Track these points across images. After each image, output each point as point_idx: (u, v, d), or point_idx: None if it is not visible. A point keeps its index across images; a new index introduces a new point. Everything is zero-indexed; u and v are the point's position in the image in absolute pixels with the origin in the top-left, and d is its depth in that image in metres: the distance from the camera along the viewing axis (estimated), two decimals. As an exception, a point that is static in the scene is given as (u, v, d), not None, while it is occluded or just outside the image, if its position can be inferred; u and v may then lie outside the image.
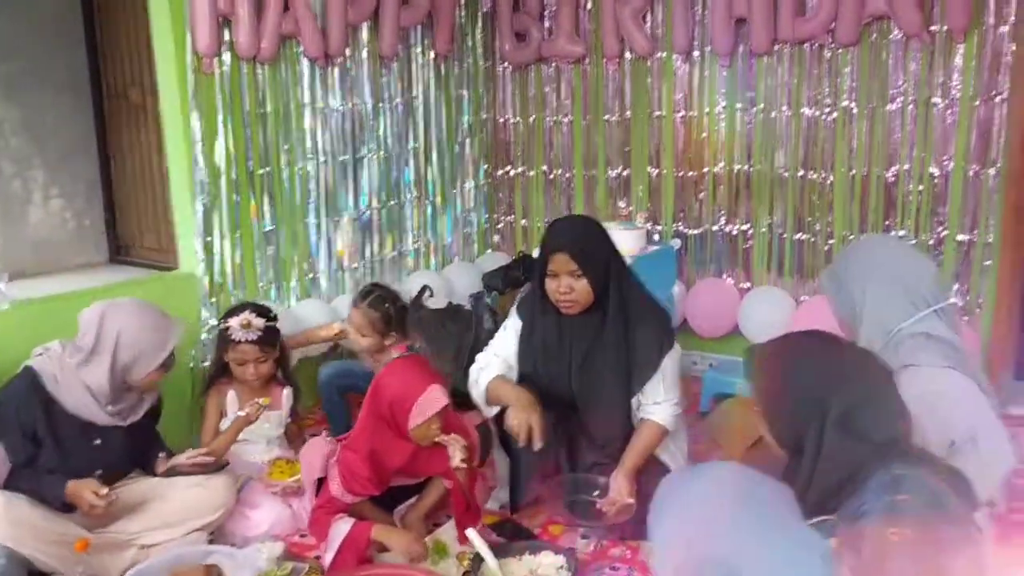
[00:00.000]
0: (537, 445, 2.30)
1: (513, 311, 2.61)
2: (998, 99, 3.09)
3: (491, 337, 2.72)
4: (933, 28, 3.13)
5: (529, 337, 2.53)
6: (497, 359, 2.54)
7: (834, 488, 1.63)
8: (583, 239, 2.42)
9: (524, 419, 2.30)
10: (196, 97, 3.02)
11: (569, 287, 2.38)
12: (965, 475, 1.66)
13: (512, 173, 4.32)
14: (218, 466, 2.49)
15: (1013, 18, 3.02)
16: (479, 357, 2.59)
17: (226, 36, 3.07)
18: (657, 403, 2.44)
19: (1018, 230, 3.18)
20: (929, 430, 1.82)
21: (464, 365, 3.20)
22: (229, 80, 3.11)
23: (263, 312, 2.73)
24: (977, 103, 3.12)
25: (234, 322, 2.67)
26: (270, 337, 2.72)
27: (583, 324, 2.45)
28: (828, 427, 1.61)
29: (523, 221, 4.35)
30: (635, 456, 2.41)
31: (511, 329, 2.58)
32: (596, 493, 2.41)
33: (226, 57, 3.09)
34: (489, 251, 4.41)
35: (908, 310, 2.03)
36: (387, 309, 2.98)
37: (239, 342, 2.66)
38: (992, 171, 3.15)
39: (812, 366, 1.65)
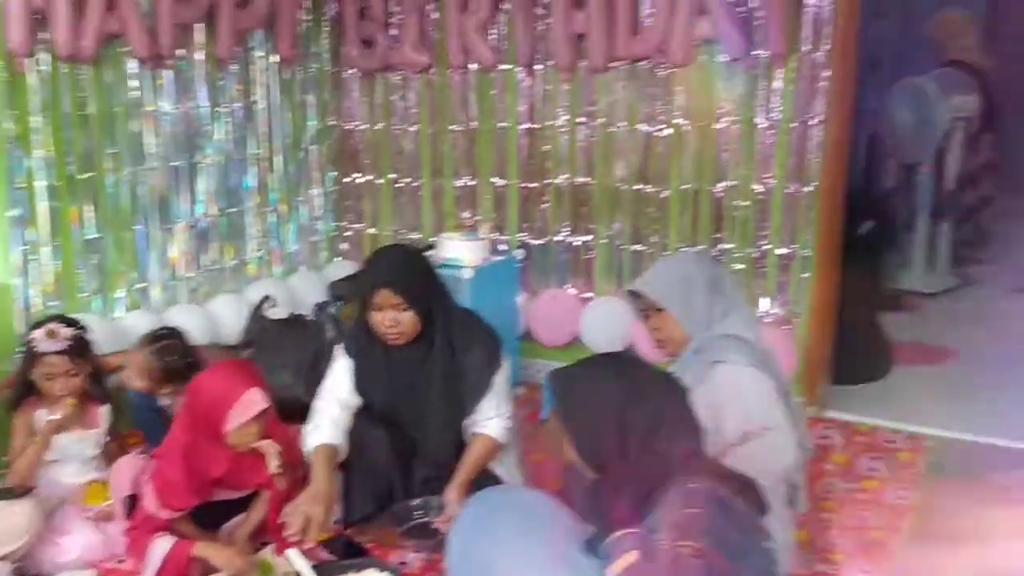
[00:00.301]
0: (306, 543, 2.27)
1: (339, 350, 2.59)
2: (814, 122, 3.28)
3: (334, 347, 2.70)
4: (756, 52, 3.30)
5: (359, 373, 2.52)
6: (331, 405, 2.52)
7: (636, 504, 1.71)
8: (406, 272, 2.45)
9: (304, 512, 2.26)
10: (9, 98, 2.85)
11: (395, 320, 2.40)
12: (756, 483, 1.77)
13: (360, 180, 4.28)
14: (23, 490, 2.35)
15: (828, 46, 3.21)
16: (315, 405, 2.56)
17: (44, 34, 2.91)
18: (490, 418, 2.50)
19: (830, 245, 3.39)
20: (728, 419, 2.08)
21: (306, 377, 3.16)
22: (48, 81, 2.95)
23: (71, 323, 2.60)
24: (795, 125, 3.30)
25: (38, 333, 2.52)
26: (79, 348, 2.57)
27: (411, 354, 2.48)
28: (630, 446, 1.68)
29: (372, 229, 4.31)
30: (468, 470, 2.45)
31: (342, 368, 2.56)
32: (420, 512, 2.43)
33: (44, 56, 2.92)
34: (338, 259, 4.35)
35: (721, 314, 2.25)
36: (170, 362, 2.71)
37: (45, 354, 2.52)
38: (808, 189, 3.34)
39: (613, 388, 1.71)
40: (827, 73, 3.23)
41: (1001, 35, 6.97)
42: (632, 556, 1.60)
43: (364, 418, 2.52)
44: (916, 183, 5.13)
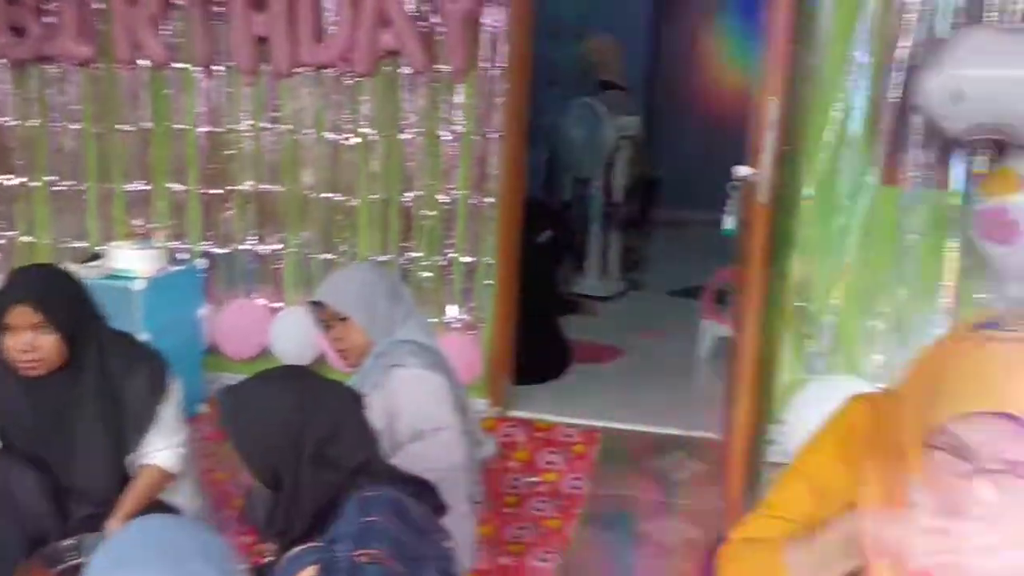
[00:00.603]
0: None
1: None
2: (493, 136, 3.44)
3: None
4: (438, 67, 3.39)
5: None
6: None
7: (316, 517, 1.68)
8: (49, 288, 2.15)
9: None
10: None
11: (30, 344, 2.09)
12: (434, 485, 1.82)
13: (10, 183, 3.82)
14: None
15: (504, 63, 3.38)
16: None
17: None
18: (159, 449, 2.31)
19: (511, 253, 3.57)
20: (402, 419, 2.16)
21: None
22: None
23: None
24: (476, 138, 3.44)
25: None
26: None
27: (55, 385, 2.17)
28: (304, 460, 1.65)
29: (27, 237, 3.87)
30: (131, 503, 2.24)
31: None
32: (73, 553, 2.21)
33: None
34: (-16, 271, 3.84)
35: (401, 320, 2.32)
36: None
37: None
38: (490, 200, 3.50)
39: (285, 403, 1.67)
40: (504, 89, 3.40)
41: (662, 62, 7.82)
42: (310, 571, 1.57)
43: (5, 457, 2.21)
44: (589, 196, 5.57)
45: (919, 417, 1.12)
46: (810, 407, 2.86)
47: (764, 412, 3.05)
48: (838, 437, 1.30)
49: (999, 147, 2.76)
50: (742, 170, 2.71)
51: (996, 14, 2.70)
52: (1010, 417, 1.01)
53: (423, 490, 1.76)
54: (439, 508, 1.80)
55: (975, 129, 2.61)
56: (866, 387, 2.72)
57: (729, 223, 2.74)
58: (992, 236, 2.74)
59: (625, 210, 5.75)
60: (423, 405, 2.18)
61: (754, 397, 2.81)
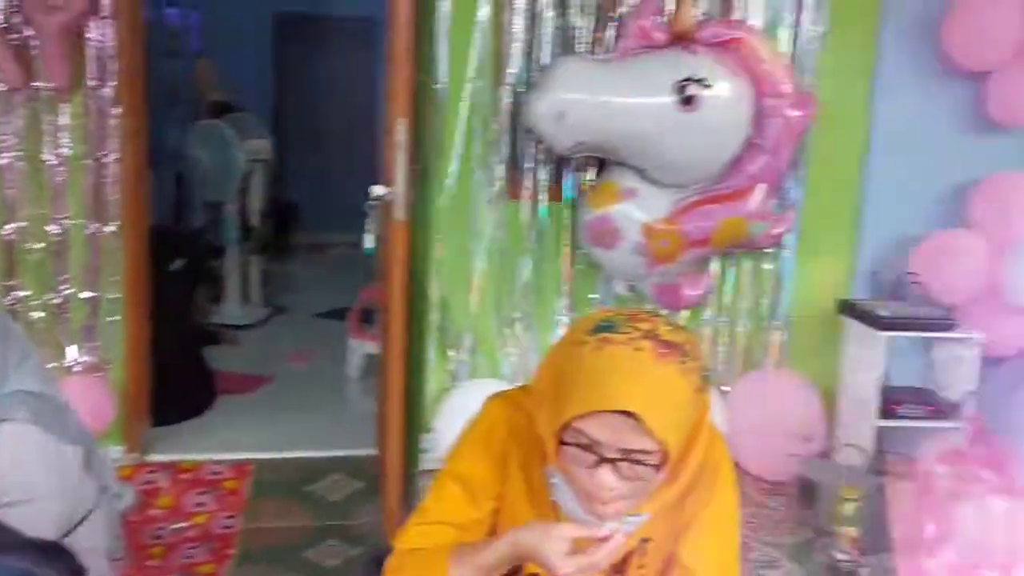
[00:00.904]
0: None
1: None
2: (109, 159, 3.16)
3: None
4: (37, 84, 3.05)
5: None
6: None
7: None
8: None
9: None
10: None
11: None
12: (65, 547, 1.63)
13: None
14: None
15: (115, 82, 3.13)
16: None
17: None
18: None
19: (138, 285, 3.31)
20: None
21: None
22: None
23: None
24: (89, 162, 3.14)
25: None
26: None
27: None
28: None
29: None
30: None
31: None
32: None
33: None
34: None
35: (14, 366, 1.97)
36: None
37: None
38: (111, 228, 3.21)
39: None
40: (117, 110, 3.15)
41: (291, 87, 7.75)
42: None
43: None
44: (223, 220, 5.34)
45: (550, 416, 1.22)
46: (456, 413, 3.01)
47: (415, 423, 3.15)
48: (480, 435, 1.38)
49: (601, 163, 3.13)
50: (378, 189, 2.77)
51: (584, 46, 3.06)
52: (627, 413, 1.14)
53: (54, 555, 1.57)
54: (76, 572, 1.61)
55: (578, 147, 2.93)
56: (504, 387, 2.94)
57: (369, 242, 2.79)
58: (598, 242, 3.09)
59: (262, 234, 5.61)
60: (18, 470, 1.87)
61: (404, 410, 2.88)
